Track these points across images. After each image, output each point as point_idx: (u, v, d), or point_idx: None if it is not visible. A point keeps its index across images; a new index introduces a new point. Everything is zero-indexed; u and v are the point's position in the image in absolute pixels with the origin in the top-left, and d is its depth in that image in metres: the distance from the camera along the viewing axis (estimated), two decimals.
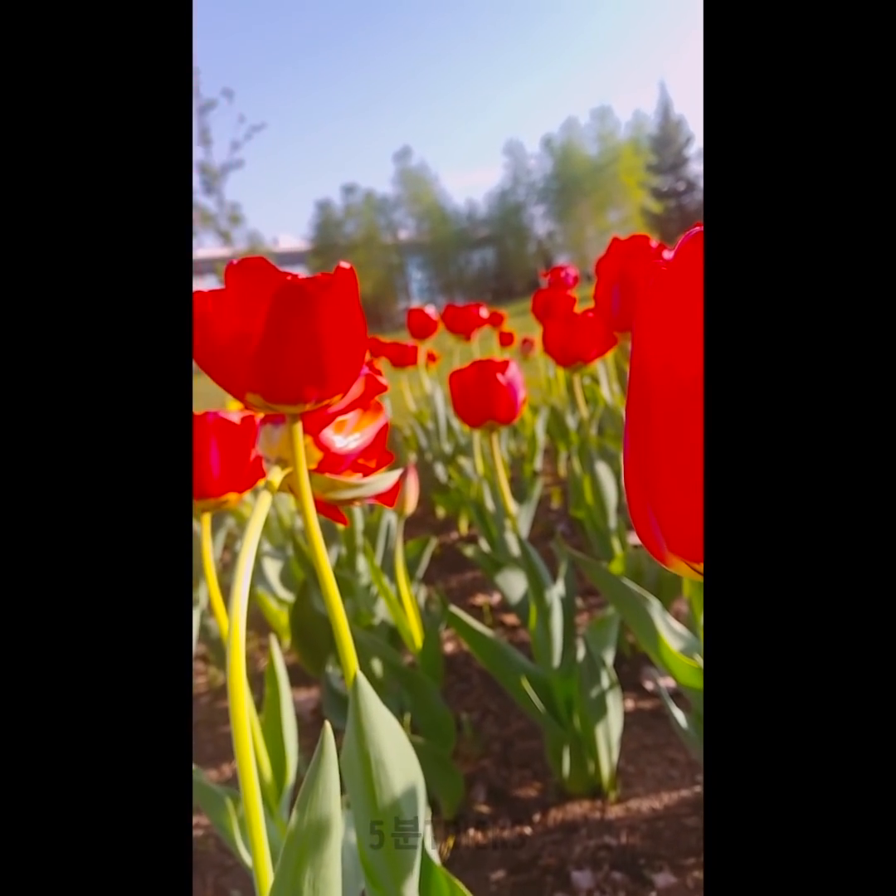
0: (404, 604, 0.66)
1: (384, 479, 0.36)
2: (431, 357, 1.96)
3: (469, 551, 0.81)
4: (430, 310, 1.50)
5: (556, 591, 0.62)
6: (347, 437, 0.35)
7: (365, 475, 0.36)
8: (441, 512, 1.61)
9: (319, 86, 48.35)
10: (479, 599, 1.13)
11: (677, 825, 0.60)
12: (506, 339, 2.05)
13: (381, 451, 0.37)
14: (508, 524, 0.86)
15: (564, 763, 0.64)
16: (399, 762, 0.30)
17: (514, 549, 0.84)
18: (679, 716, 0.53)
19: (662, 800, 0.63)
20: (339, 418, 0.34)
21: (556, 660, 0.63)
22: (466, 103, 50.38)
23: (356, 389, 0.35)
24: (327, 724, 0.25)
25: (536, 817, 0.64)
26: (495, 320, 1.92)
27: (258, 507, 0.30)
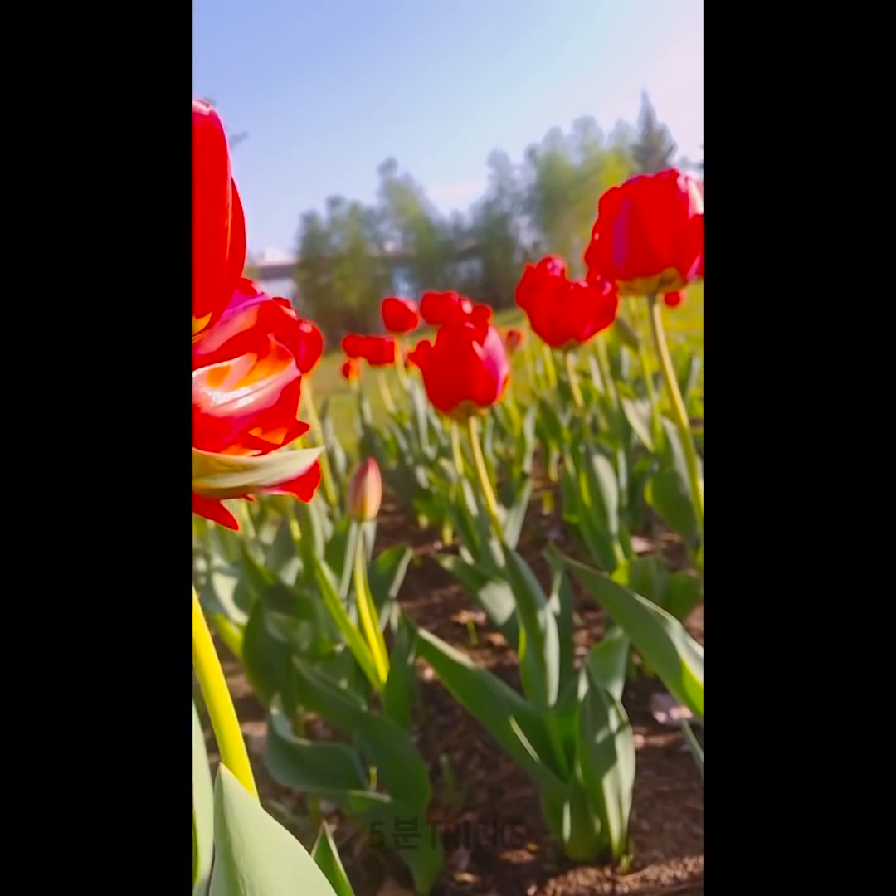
0: (366, 630, 0.54)
1: (292, 460, 0.24)
2: (412, 357, 1.84)
3: (448, 563, 0.69)
4: (409, 302, 1.38)
5: (549, 611, 0.50)
6: (230, 393, 0.23)
7: (263, 452, 0.24)
8: (424, 521, 1.49)
9: (303, 98, 48.35)
10: (464, 617, 1.01)
11: None
12: None
13: (291, 420, 0.25)
14: (492, 530, 0.74)
15: (565, 822, 0.52)
16: None
17: (500, 558, 0.72)
18: None
19: (686, 866, 0.51)
20: (216, 364, 0.23)
21: (552, 695, 0.51)
22: (450, 115, 50.53)
23: (243, 320, 0.23)
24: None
25: (531, 890, 0.52)
26: (479, 315, 1.80)
27: None
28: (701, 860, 0.51)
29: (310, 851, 0.26)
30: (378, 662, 0.54)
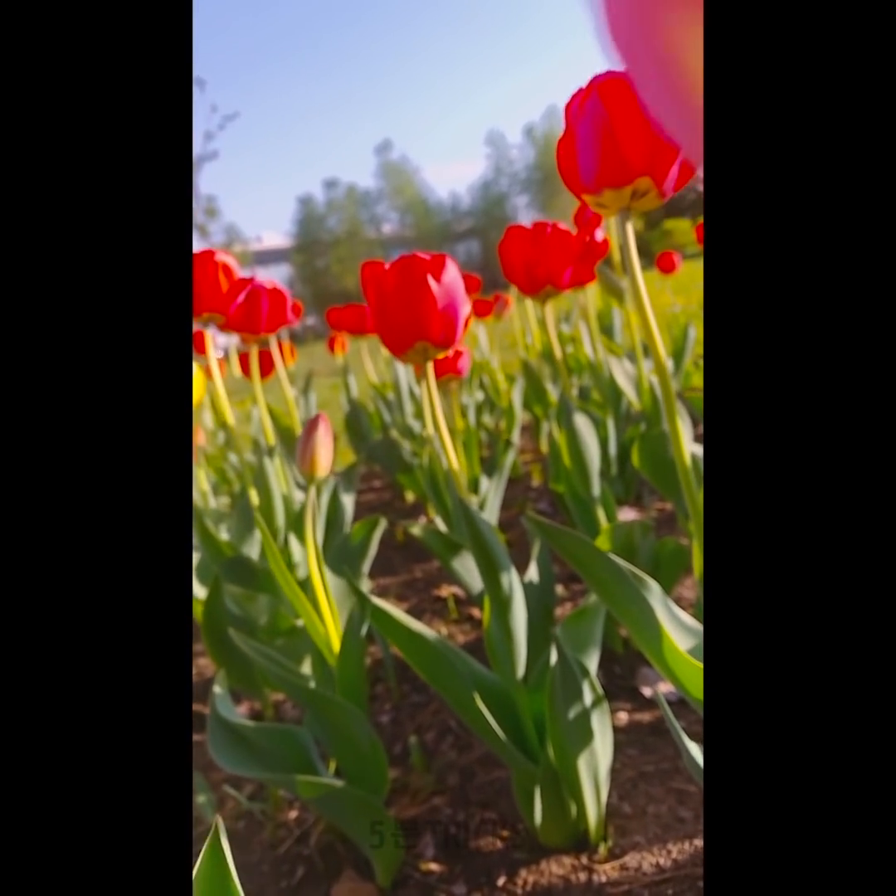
0: (318, 600, 0.49)
1: None
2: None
3: (416, 530, 0.64)
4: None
5: (514, 574, 0.45)
6: None
7: None
8: (410, 496, 1.45)
9: (297, 78, 47.82)
10: (445, 591, 0.96)
11: (693, 889, 0.44)
12: (482, 309, 1.88)
13: None
14: (464, 493, 0.69)
15: (536, 806, 0.47)
16: None
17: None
18: (692, 745, 0.37)
19: (670, 852, 0.47)
20: None
21: (521, 668, 0.46)
22: (447, 94, 50.00)
23: None
24: None
25: (501, 881, 0.47)
26: (469, 285, 1.74)
27: None
28: (686, 846, 0.47)
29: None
30: (331, 635, 0.49)
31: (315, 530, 0.50)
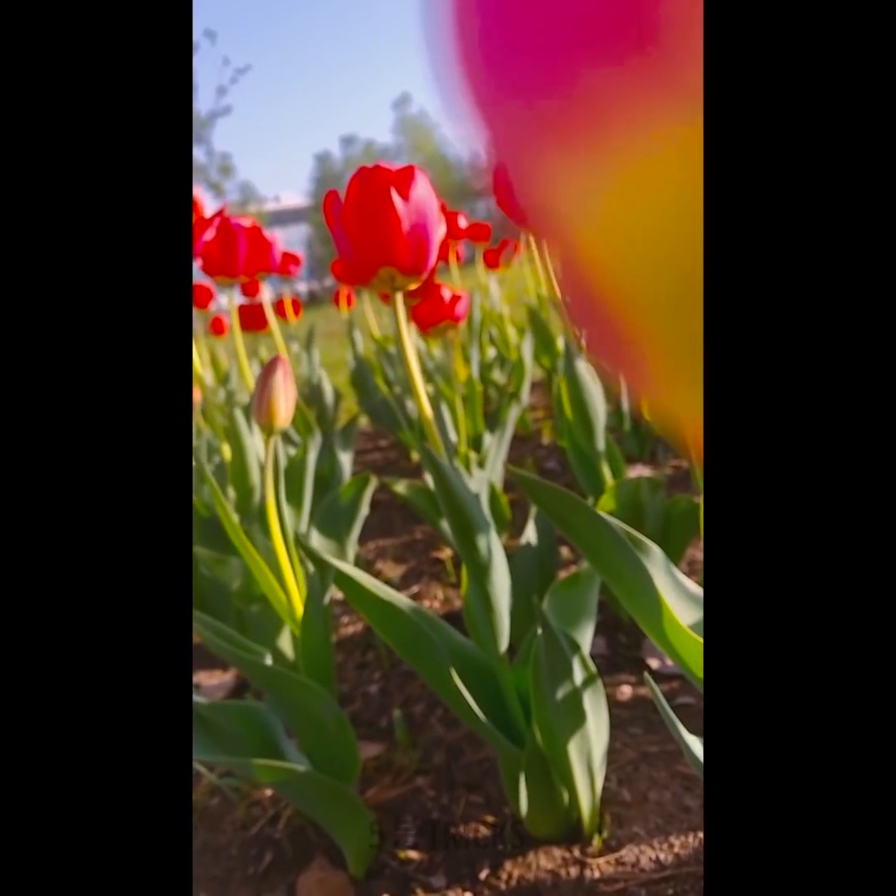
0: (280, 564, 0.44)
1: None
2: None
3: (400, 487, 0.58)
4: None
5: (493, 534, 0.39)
6: None
7: None
8: (416, 455, 1.39)
9: (311, 29, 46.75)
10: (445, 553, 0.91)
11: (696, 889, 0.39)
12: (492, 259, 1.79)
13: None
14: (427, 433, 0.63)
15: (522, 794, 0.42)
16: None
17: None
18: (691, 739, 0.31)
19: (671, 845, 0.42)
20: None
21: (504, 641, 0.41)
22: None
23: None
24: None
25: (484, 874, 0.43)
26: (477, 233, 1.66)
27: None
28: (690, 839, 0.41)
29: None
30: (295, 604, 0.44)
31: (278, 489, 0.45)
